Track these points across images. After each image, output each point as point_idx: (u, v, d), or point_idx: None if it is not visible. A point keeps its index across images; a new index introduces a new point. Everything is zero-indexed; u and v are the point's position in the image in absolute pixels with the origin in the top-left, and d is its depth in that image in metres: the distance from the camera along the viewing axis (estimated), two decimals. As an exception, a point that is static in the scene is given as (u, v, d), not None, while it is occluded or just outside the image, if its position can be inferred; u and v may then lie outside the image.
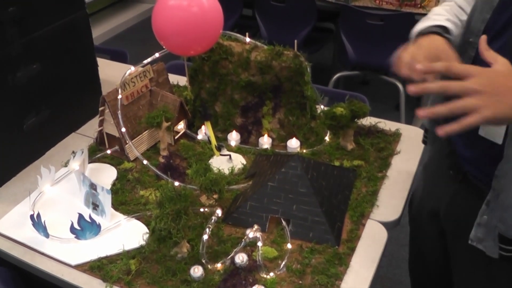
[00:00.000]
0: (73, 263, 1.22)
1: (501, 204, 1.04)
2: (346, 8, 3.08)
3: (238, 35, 1.60)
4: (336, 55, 3.58)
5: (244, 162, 1.53)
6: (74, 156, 1.46)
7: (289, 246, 1.23)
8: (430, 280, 1.52)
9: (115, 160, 1.56)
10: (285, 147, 1.59)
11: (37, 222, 1.26)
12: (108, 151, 1.58)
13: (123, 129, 1.50)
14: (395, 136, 1.63)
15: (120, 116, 1.50)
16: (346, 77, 3.55)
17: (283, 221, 1.28)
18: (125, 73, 1.53)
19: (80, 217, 1.26)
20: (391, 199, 1.40)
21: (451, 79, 0.87)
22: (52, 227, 1.28)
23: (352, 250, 1.24)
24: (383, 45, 3.03)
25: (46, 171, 1.42)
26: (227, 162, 1.51)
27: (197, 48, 1.46)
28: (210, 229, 1.25)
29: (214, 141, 1.52)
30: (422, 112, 0.84)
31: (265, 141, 1.60)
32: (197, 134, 1.66)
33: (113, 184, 1.46)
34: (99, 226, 1.29)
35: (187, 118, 1.66)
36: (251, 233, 1.23)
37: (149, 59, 1.62)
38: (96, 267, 1.20)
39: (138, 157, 1.53)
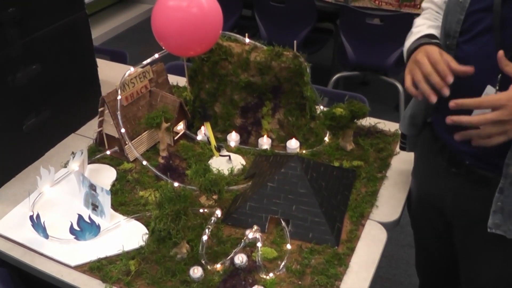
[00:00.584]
0: (73, 263, 1.22)
1: None
2: (346, 8, 3.08)
3: (238, 35, 1.60)
4: (336, 55, 3.58)
5: (244, 162, 1.53)
6: (73, 157, 1.46)
7: (288, 246, 1.23)
8: (439, 278, 1.55)
9: (114, 161, 1.56)
10: (285, 147, 1.59)
11: (37, 223, 1.26)
12: (108, 152, 1.58)
13: (123, 130, 1.50)
14: (395, 137, 1.63)
15: (119, 117, 1.50)
16: (346, 77, 3.55)
17: (282, 222, 1.28)
18: (125, 74, 1.53)
19: (80, 217, 1.26)
20: (390, 200, 1.40)
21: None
22: (52, 228, 1.28)
23: (352, 250, 1.24)
24: (383, 45, 3.04)
25: (46, 171, 1.42)
26: (226, 162, 1.51)
27: (197, 49, 1.46)
28: (210, 230, 1.25)
29: (213, 142, 1.52)
30: (459, 136, 1.03)
31: (265, 142, 1.60)
32: (196, 134, 1.66)
33: (113, 185, 1.46)
34: (98, 227, 1.29)
35: (186, 119, 1.66)
36: (250, 234, 1.23)
37: (148, 60, 1.62)
38: (95, 268, 1.20)
39: (138, 157, 1.53)
